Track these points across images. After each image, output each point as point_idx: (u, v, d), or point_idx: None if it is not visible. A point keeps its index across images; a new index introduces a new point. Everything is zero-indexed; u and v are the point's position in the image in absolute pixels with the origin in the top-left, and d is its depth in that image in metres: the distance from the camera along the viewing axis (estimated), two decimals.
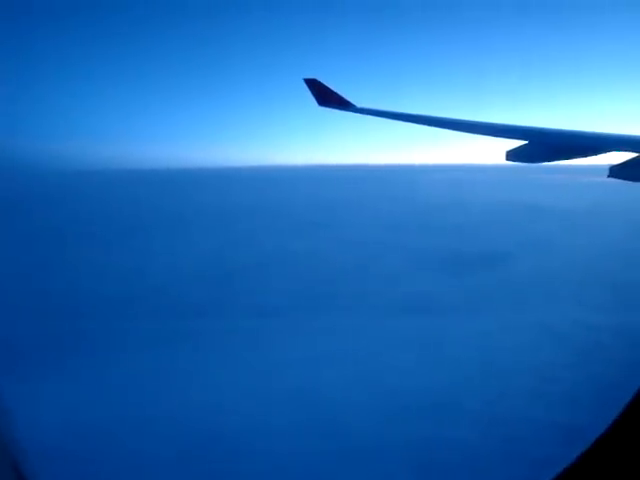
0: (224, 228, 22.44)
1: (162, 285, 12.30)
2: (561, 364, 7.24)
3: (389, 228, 21.78)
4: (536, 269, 14.15)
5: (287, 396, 6.70)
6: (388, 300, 10.87)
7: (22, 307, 10.63)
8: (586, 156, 5.07)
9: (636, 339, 8.45)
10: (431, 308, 10.37)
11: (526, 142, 5.46)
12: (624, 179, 4.70)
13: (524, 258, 15.54)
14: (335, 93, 9.17)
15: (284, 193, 47.58)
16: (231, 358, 7.89)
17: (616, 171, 4.70)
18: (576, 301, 11.01)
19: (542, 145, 5.53)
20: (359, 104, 8.85)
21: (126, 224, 24.97)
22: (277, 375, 7.15)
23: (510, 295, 11.67)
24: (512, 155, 5.51)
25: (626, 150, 4.77)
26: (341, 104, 9.00)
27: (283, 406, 6.62)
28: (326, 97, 9.06)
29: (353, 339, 8.35)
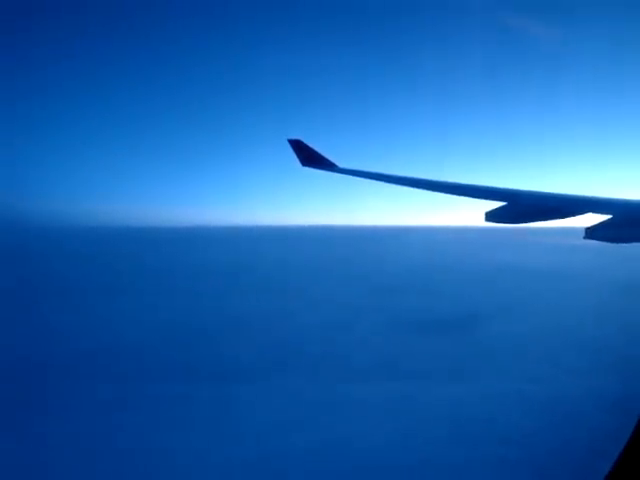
0: (188, 288, 22.23)
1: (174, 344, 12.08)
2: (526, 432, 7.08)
3: (365, 289, 21.79)
4: (509, 331, 14.18)
5: (248, 464, 6.46)
6: (352, 363, 10.71)
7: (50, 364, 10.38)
8: (563, 217, 5.20)
9: (608, 402, 8.38)
10: (397, 372, 10.22)
11: (504, 203, 5.58)
12: (600, 240, 4.81)
13: (499, 320, 15.60)
14: (318, 154, 9.37)
15: (260, 253, 47.56)
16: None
17: (591, 232, 4.80)
18: (549, 363, 11.00)
19: (519, 206, 5.66)
20: (346, 164, 9.04)
21: (137, 280, 24.70)
22: (236, 443, 6.88)
23: (481, 357, 11.60)
24: (491, 216, 5.60)
25: (601, 212, 4.91)
26: (324, 164, 9.17)
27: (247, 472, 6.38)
28: (309, 158, 9.25)
29: (312, 405, 8.11)
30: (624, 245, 4.77)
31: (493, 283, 25.02)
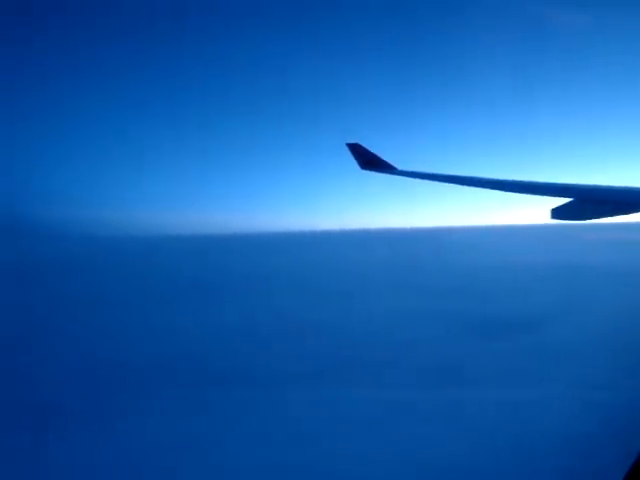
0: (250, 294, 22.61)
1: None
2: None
3: (428, 292, 21.51)
4: (578, 334, 13.62)
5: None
6: (410, 369, 10.54)
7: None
8: (634, 212, 5.06)
9: None
10: (461, 378, 10.01)
11: (572, 199, 5.47)
12: None
13: (567, 322, 15.00)
14: (377, 157, 9.43)
15: (324, 258, 47.81)
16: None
17: None
18: (615, 367, 10.49)
19: (589, 202, 5.53)
20: (404, 166, 9.06)
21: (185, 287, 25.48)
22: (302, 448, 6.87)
23: (549, 361, 11.19)
24: (557, 213, 5.50)
25: None
26: (383, 167, 9.23)
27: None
28: (368, 161, 9.33)
29: (378, 412, 8.02)
30: None
31: (561, 283, 24.14)
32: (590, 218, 5.46)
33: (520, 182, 6.66)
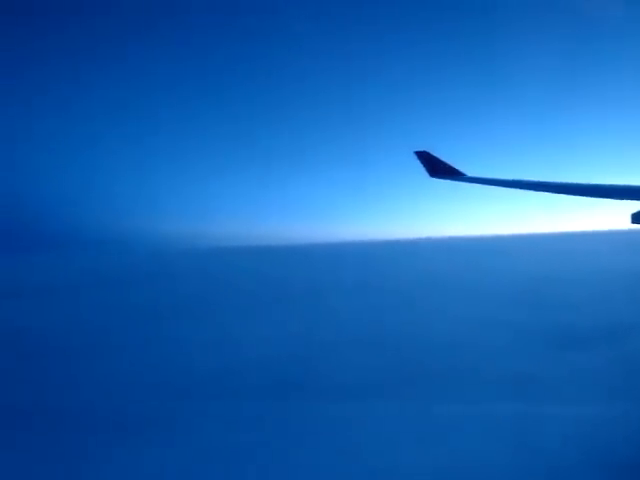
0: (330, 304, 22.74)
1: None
2: None
3: (501, 302, 20.90)
4: None
5: None
6: (488, 382, 10.21)
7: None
8: None
9: None
10: (536, 391, 9.61)
11: None
12: None
13: None
14: (446, 164, 9.33)
15: (394, 268, 47.46)
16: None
17: None
18: None
19: None
20: (473, 173, 8.93)
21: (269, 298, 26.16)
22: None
23: (627, 375, 10.55)
24: (639, 218, 5.28)
25: None
26: (452, 174, 9.12)
27: None
28: (437, 168, 9.24)
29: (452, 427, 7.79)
30: None
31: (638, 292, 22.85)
32: None
33: (597, 186, 6.42)
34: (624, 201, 5.59)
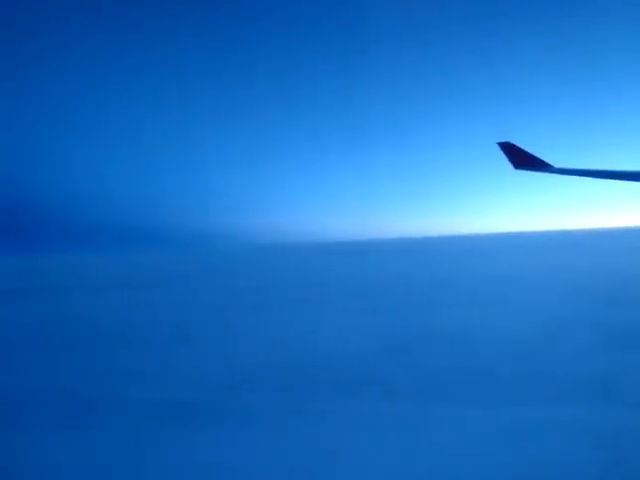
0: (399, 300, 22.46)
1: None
2: None
3: (588, 300, 19.76)
4: None
5: None
6: (565, 381, 9.65)
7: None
8: None
9: None
10: (609, 394, 8.97)
11: None
12: None
13: None
14: (530, 154, 8.96)
15: (476, 263, 46.18)
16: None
17: None
18: None
19: None
20: (558, 164, 8.51)
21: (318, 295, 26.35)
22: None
23: None
24: None
25: None
26: (538, 165, 8.73)
27: None
28: (521, 159, 8.89)
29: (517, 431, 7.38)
30: None
31: None
32: None
33: None
34: None
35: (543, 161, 8.91)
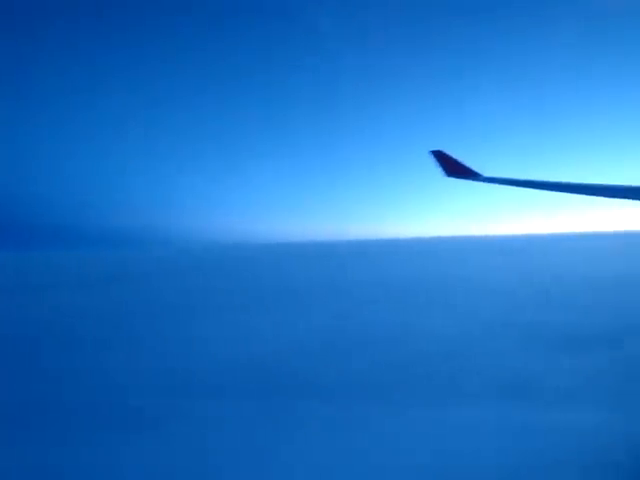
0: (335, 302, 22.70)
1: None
2: None
3: (508, 303, 20.72)
4: None
5: None
6: (484, 381, 10.05)
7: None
8: None
9: None
10: (533, 392, 9.43)
11: None
12: None
13: None
14: (461, 164, 9.30)
15: (401, 267, 47.34)
16: None
17: None
18: None
19: None
20: (489, 173, 8.89)
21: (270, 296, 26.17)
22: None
23: (628, 379, 10.33)
24: None
25: None
26: (468, 174, 9.08)
27: None
28: (452, 168, 9.21)
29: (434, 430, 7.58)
30: None
31: None
32: None
33: (616, 187, 6.36)
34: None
35: (472, 170, 9.27)
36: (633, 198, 5.82)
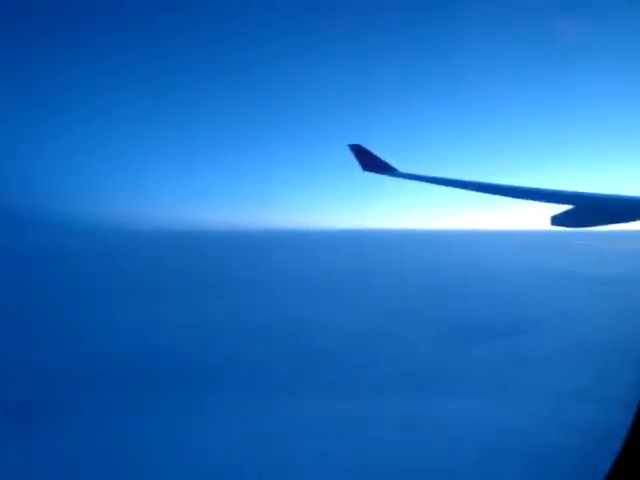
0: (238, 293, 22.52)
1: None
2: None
3: (415, 295, 21.51)
4: (559, 340, 13.51)
5: None
6: (386, 373, 10.35)
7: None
8: (634, 221, 5.09)
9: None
10: (431, 382, 9.81)
11: (572, 207, 5.50)
12: None
13: (550, 328, 14.92)
14: (379, 159, 9.43)
15: (316, 257, 47.75)
16: None
17: None
18: (591, 374, 10.30)
19: (588, 210, 5.57)
20: (406, 169, 9.06)
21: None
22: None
23: (523, 368, 11.02)
24: (557, 220, 5.54)
25: None
26: (384, 169, 9.22)
27: None
28: (370, 162, 9.32)
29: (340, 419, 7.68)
30: None
31: (549, 289, 24.17)
32: (589, 226, 5.50)
33: (522, 188, 6.68)
34: (545, 203, 5.85)
35: (389, 165, 9.42)
36: (538, 200, 6.14)
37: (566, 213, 5.49)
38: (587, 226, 5.55)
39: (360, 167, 9.57)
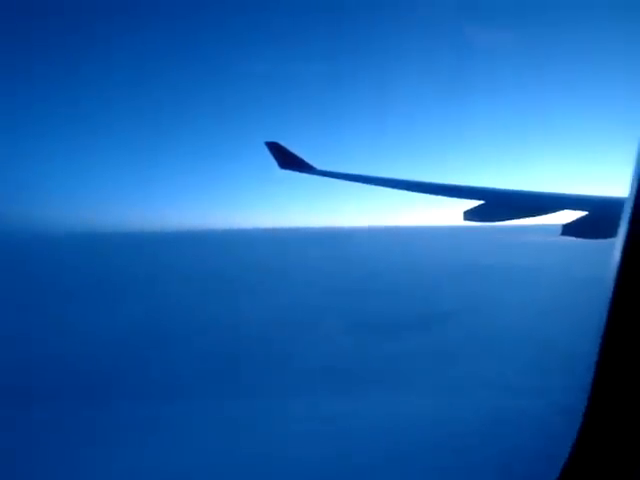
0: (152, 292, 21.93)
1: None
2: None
3: (331, 291, 21.68)
4: (472, 331, 14.04)
5: None
6: (298, 370, 10.32)
7: None
8: (540, 215, 5.31)
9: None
10: (343, 376, 9.88)
11: (483, 202, 5.67)
12: (576, 237, 4.93)
13: (464, 320, 15.45)
14: (296, 156, 9.37)
15: (231, 256, 47.22)
16: None
17: (568, 229, 4.93)
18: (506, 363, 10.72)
19: (498, 205, 5.77)
20: (324, 166, 9.05)
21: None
22: None
23: (434, 361, 11.30)
24: (469, 215, 5.68)
25: (577, 209, 5.02)
26: (302, 167, 9.18)
27: None
28: (287, 160, 9.25)
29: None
30: (600, 241, 4.86)
31: (464, 282, 25.05)
32: (500, 220, 5.68)
33: (435, 184, 6.85)
34: (459, 199, 6.00)
35: (306, 163, 9.38)
36: (452, 196, 6.29)
37: (477, 209, 5.64)
38: (497, 221, 5.73)
39: (277, 165, 9.48)
